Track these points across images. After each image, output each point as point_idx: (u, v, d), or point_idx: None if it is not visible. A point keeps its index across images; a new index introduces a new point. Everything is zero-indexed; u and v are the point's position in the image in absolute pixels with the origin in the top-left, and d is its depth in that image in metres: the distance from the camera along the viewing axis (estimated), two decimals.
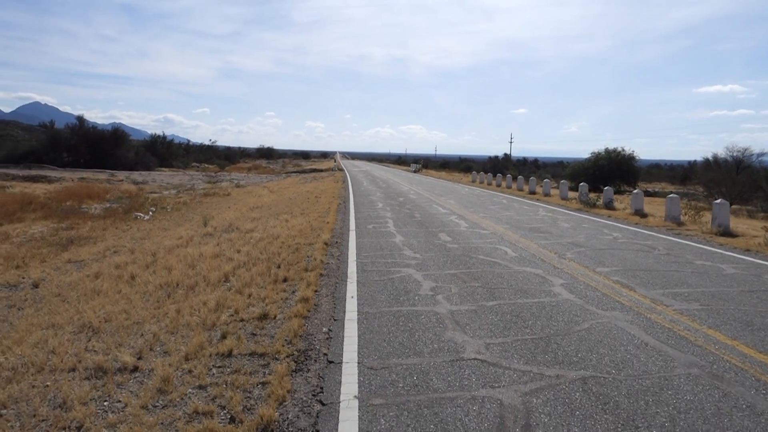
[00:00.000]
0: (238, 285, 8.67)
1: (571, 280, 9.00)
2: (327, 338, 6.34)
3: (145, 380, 5.30)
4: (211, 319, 7.02)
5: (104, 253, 13.29)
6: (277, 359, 5.70)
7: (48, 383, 5.32)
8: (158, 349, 6.21)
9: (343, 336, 6.36)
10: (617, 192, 24.61)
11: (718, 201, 14.95)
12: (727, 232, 14.27)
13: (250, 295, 8.13)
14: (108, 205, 26.13)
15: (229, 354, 5.88)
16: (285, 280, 9.07)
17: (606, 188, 22.58)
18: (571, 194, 27.00)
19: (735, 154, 48.32)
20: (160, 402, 4.81)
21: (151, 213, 21.87)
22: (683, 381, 5.03)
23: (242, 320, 7.04)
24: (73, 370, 5.63)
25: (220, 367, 5.56)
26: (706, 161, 52.79)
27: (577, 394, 4.75)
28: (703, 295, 8.09)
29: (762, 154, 47.62)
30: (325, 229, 14.47)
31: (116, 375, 5.44)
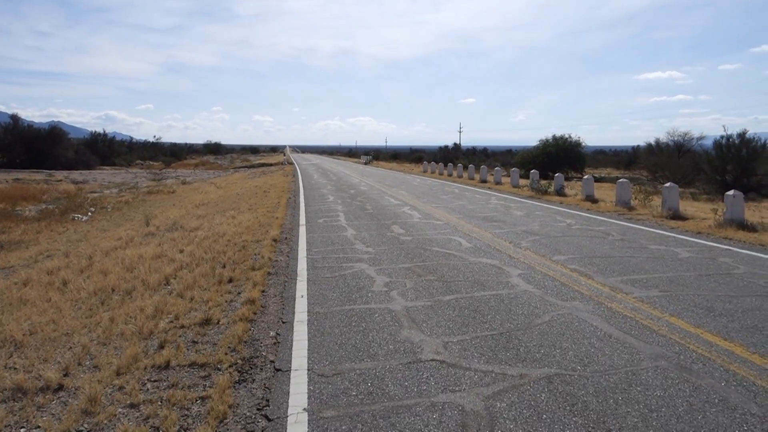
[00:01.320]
0: (179, 288, 8.11)
1: (528, 270, 8.76)
2: (274, 343, 5.88)
3: (70, 400, 4.75)
4: (148, 326, 6.47)
5: (36, 257, 12.44)
6: (219, 369, 5.22)
7: None
8: (87, 363, 5.64)
9: (291, 340, 5.92)
10: (566, 178, 24.71)
11: (668, 185, 15.05)
12: (677, 215, 14.38)
13: (192, 299, 7.59)
14: (44, 206, 24.84)
15: (167, 366, 5.37)
16: (230, 280, 8.55)
17: (557, 175, 22.65)
18: (522, 182, 27.06)
19: (676, 139, 49.46)
20: (85, 426, 4.28)
21: (89, 213, 20.83)
22: (651, 375, 4.78)
23: (182, 327, 6.51)
24: None
25: (155, 381, 5.05)
26: (649, 146, 53.92)
27: (543, 395, 4.44)
28: (661, 281, 7.96)
29: (701, 138, 48.89)
30: (274, 225, 13.94)
31: (37, 396, 4.87)
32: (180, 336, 6.19)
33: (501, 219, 14.86)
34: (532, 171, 24.67)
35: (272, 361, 5.39)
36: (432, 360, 5.21)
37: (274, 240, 11.81)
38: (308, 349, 5.60)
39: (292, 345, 5.76)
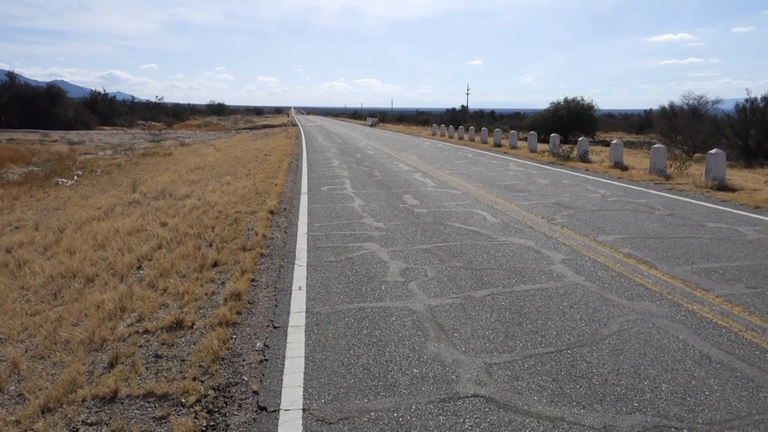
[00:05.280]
0: (152, 274, 6.69)
1: (573, 254, 7.29)
2: (260, 361, 4.46)
3: None
4: (102, 332, 5.06)
5: (2, 229, 11.04)
6: (182, 406, 3.81)
7: None
8: (12, 389, 4.25)
9: (283, 357, 4.49)
10: (575, 142, 22.90)
11: (714, 151, 13.40)
12: (723, 186, 12.77)
13: (165, 290, 6.18)
14: (31, 169, 23.39)
15: (113, 397, 3.96)
16: (215, 264, 7.12)
17: (580, 139, 20.94)
18: (540, 146, 25.37)
19: (690, 102, 47.42)
20: None
21: (75, 178, 19.37)
22: None
23: (146, 332, 5.10)
24: None
25: (92, 425, 3.64)
26: (663, 110, 51.90)
27: None
28: (740, 271, 6.47)
29: (717, 102, 46.89)
30: (272, 194, 12.47)
31: None
32: (141, 347, 4.78)
33: (525, 188, 13.32)
34: (553, 135, 22.95)
35: (255, 393, 3.97)
36: (474, 396, 3.78)
37: (271, 212, 10.35)
38: (305, 373, 4.18)
39: (283, 365, 4.34)
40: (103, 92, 77.86)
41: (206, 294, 6.04)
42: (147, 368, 4.39)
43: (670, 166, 15.52)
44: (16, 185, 17.80)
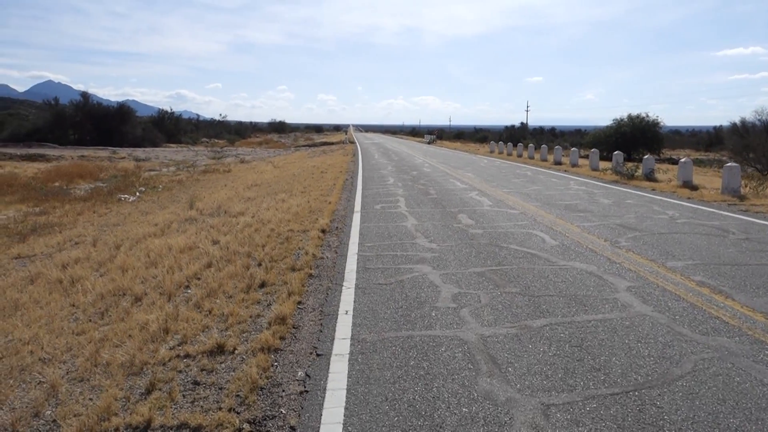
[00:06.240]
0: (199, 294, 6.59)
1: (639, 281, 6.78)
2: (300, 393, 4.22)
3: None
4: (142, 355, 4.94)
5: (63, 244, 11.26)
6: None
7: None
8: (47, 413, 4.14)
9: (324, 388, 4.23)
10: (640, 160, 21.81)
11: None
12: None
13: (210, 312, 6.05)
14: (97, 185, 24.17)
15: (146, 427, 3.79)
16: (263, 285, 6.97)
17: (646, 157, 20.07)
18: (602, 164, 24.51)
19: (764, 118, 45.05)
20: None
21: (138, 194, 19.84)
22: None
23: (187, 356, 4.95)
24: None
25: None
26: (734, 126, 49.59)
27: None
28: None
29: None
30: (326, 212, 12.34)
31: None
32: (180, 372, 4.63)
33: (587, 208, 12.74)
34: (616, 152, 22.11)
35: (293, 429, 3.72)
36: None
37: (323, 231, 10.19)
38: (346, 408, 3.91)
39: (324, 398, 4.08)
40: (170, 111, 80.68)
41: (251, 316, 5.87)
42: (184, 396, 4.21)
43: (745, 186, 14.60)
44: (82, 201, 18.36)
